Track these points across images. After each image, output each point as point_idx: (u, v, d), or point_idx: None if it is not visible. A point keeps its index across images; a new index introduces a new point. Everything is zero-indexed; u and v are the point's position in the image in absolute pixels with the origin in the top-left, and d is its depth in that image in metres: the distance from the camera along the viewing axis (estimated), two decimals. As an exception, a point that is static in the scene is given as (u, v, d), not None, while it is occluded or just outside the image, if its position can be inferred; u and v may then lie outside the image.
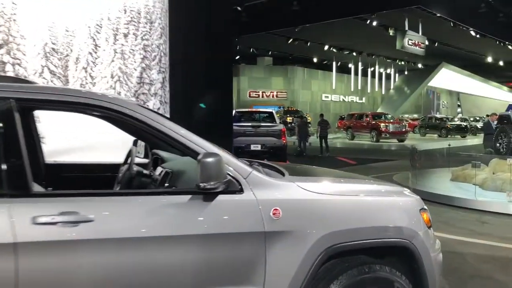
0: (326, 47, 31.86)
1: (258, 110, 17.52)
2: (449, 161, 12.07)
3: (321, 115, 19.73)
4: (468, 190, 8.71)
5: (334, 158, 17.03)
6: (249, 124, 13.84)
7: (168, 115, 5.91)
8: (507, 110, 50.97)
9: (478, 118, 35.32)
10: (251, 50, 33.35)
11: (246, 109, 18.97)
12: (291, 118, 29.82)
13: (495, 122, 13.08)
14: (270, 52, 36.05)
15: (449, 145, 12.11)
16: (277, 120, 15.21)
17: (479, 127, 30.53)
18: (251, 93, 37.20)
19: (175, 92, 8.13)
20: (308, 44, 30.74)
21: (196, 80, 8.72)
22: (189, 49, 7.74)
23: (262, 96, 37.46)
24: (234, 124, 12.51)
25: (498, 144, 10.46)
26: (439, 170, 11.64)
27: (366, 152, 20.55)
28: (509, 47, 32.15)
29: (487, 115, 23.37)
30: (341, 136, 29.74)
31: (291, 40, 29.21)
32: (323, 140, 18.16)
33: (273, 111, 15.24)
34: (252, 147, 13.58)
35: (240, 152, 13.22)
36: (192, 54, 7.96)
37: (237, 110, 16.37)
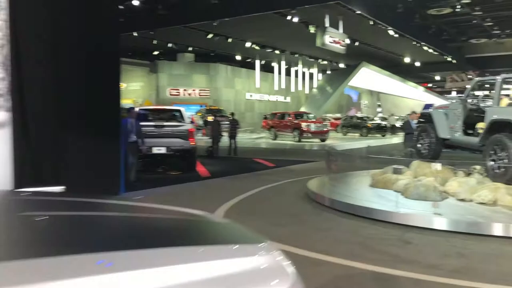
0: (248, 44, 30.58)
1: (164, 107, 15.65)
2: (368, 163, 11.09)
3: (232, 114, 18.72)
4: (389, 199, 7.58)
5: (252, 161, 15.66)
6: (152, 124, 12.01)
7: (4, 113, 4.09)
8: (425, 109, 53.09)
9: (388, 117, 35.67)
10: (169, 45, 31.27)
11: (152, 107, 17.06)
12: (212, 117, 28.17)
13: (415, 121, 12.31)
14: (191, 48, 34.15)
15: (368, 145, 11.10)
16: (187, 119, 13.48)
17: (398, 126, 30.68)
18: (171, 91, 35.09)
19: (43, 89, 6.25)
20: (229, 40, 29.30)
21: (68, 79, 6.88)
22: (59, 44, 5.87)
23: (184, 94, 35.48)
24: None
25: (419, 145, 9.55)
26: (358, 174, 10.57)
27: (287, 153, 19.43)
28: (425, 48, 32.74)
29: (409, 114, 23.28)
30: (265, 136, 28.63)
31: (211, 35, 27.58)
32: (232, 141, 16.93)
33: (182, 109, 13.47)
34: (155, 150, 11.78)
35: (142, 156, 11.42)
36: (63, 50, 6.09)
37: (141, 108, 14.45)
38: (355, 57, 35.97)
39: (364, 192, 8.28)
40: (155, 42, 29.66)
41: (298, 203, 8.14)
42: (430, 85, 55.11)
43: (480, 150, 7.97)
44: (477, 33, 34.96)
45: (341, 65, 41.08)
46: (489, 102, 8.40)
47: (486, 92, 9.69)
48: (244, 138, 27.37)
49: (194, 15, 23.43)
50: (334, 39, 23.34)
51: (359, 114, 38.21)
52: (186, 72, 35.95)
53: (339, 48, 24.26)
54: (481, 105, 8.37)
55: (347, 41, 25.83)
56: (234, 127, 17.18)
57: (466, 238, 5.72)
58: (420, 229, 6.17)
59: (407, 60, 38.25)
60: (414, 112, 12.17)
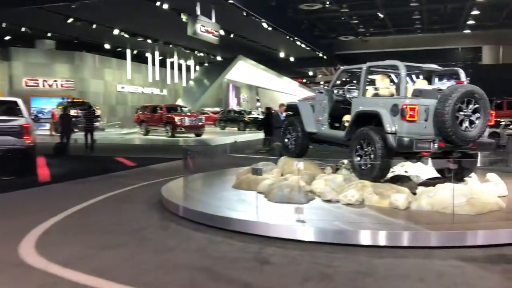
0: (116, 31, 28.04)
1: (-5, 99, 13.06)
2: (236, 159, 10.08)
3: (88, 105, 16.67)
4: (252, 203, 6.54)
5: (111, 159, 13.79)
6: (-27, 119, 9.62)
7: None
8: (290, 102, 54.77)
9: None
10: (23, 30, 27.37)
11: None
12: (76, 111, 25.21)
13: (284, 114, 11.61)
14: (50, 34, 30.39)
15: (235, 141, 10.07)
16: (25, 113, 11.17)
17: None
18: (28, 81, 30.98)
19: None
20: (94, 26, 26.50)
21: None
22: None
23: (43, 85, 31.58)
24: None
25: (286, 140, 8.73)
26: (223, 173, 9.48)
27: (155, 150, 17.77)
28: (298, 43, 33.21)
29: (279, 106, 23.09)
30: (137, 131, 26.46)
31: (71, 19, 24.60)
32: (88, 136, 14.91)
33: (18, 100, 11.12)
34: (-24, 152, 9.44)
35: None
36: None
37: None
38: (232, 50, 35.32)
39: (224, 196, 7.14)
40: (4, 25, 25.69)
41: (145, 214, 6.71)
42: (304, 80, 57.08)
43: (347, 145, 7.31)
44: (346, 31, 36.58)
45: (219, 58, 40.19)
46: (355, 93, 7.82)
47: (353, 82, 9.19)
48: (113, 134, 24.99)
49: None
50: (206, 28, 22.14)
51: (236, 108, 37.75)
52: (46, 60, 32.03)
53: (212, 38, 23.13)
54: (347, 96, 7.75)
55: (221, 32, 24.85)
56: (90, 120, 15.08)
57: (332, 250, 4.84)
58: (282, 241, 5.17)
59: (282, 55, 38.69)
60: (283, 105, 11.45)
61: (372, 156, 6.52)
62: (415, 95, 6.57)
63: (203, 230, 5.70)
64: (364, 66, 7.11)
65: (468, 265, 4.35)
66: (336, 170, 8.90)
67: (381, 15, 30.24)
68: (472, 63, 39.93)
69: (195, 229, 5.79)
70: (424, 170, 7.94)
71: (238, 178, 8.49)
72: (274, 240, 5.22)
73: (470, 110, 6.06)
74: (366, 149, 6.65)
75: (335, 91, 7.85)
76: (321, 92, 8.10)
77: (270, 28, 27.44)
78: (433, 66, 6.96)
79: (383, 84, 7.14)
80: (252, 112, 33.74)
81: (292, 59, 40.19)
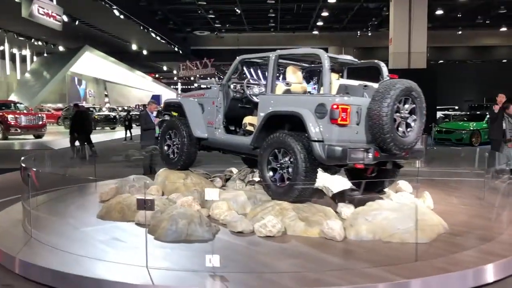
0: None
1: None
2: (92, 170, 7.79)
3: None
4: (132, 247, 4.52)
5: None
6: None
7: None
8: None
9: (126, 108, 32.44)
10: None
11: None
12: None
13: (154, 113, 9.53)
14: None
15: (93, 149, 7.73)
16: None
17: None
18: None
19: None
20: None
21: None
22: None
23: None
24: None
25: (166, 147, 6.76)
26: (79, 192, 7.12)
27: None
28: (152, 35, 30.66)
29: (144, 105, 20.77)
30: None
31: None
32: None
33: None
34: None
35: None
36: None
37: None
38: (77, 39, 31.07)
39: (87, 234, 4.91)
40: None
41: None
42: (157, 75, 54.16)
43: (253, 155, 5.69)
44: (201, 25, 35.09)
45: (61, 48, 35.18)
46: (256, 89, 6.24)
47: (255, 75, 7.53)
48: None
49: None
50: (45, 10, 18.43)
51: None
52: None
53: (53, 23, 19.44)
54: (249, 92, 6.13)
55: (64, 18, 21.19)
56: None
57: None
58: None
59: (134, 47, 35.56)
60: (153, 102, 9.36)
61: (290, 170, 5.01)
62: (341, 92, 5.24)
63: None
64: (273, 55, 5.55)
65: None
66: (226, 181, 7.30)
67: (238, 11, 29.44)
68: (320, 63, 41.91)
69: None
70: (333, 180, 6.73)
71: (102, 199, 6.28)
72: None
73: (407, 111, 4.93)
74: (282, 161, 5.10)
75: (232, 86, 6.16)
76: (212, 88, 6.33)
77: (122, 16, 24.46)
78: (349, 57, 5.77)
79: (295, 78, 5.67)
80: (103, 109, 30.16)
81: (145, 52, 37.30)
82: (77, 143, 12.01)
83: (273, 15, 31.21)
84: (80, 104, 13.85)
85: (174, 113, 6.98)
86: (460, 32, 33.61)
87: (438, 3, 25.29)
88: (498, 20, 30.13)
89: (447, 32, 32.48)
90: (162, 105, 9.29)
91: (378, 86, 4.86)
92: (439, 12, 26.83)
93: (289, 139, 4.95)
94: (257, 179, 7.11)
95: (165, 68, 47.35)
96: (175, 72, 50.52)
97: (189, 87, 68.80)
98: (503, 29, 32.13)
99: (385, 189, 5.95)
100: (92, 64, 35.52)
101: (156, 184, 6.57)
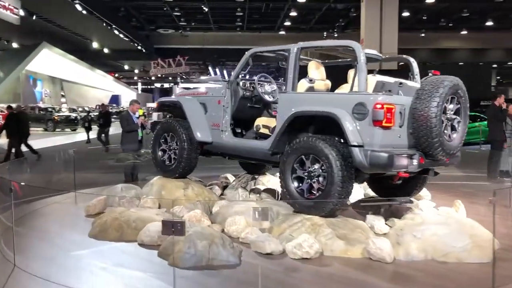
0: None
1: None
2: (67, 176, 6.82)
3: None
4: (139, 277, 3.70)
5: None
6: None
7: None
8: (111, 101, 49.40)
9: (87, 109, 30.53)
10: None
11: None
12: None
13: (137, 114, 8.59)
14: None
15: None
16: None
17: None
18: None
19: None
20: None
21: None
22: None
23: None
24: None
25: (160, 153, 5.88)
26: (61, 205, 6.14)
27: None
28: (116, 32, 29.19)
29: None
30: None
31: None
32: None
33: None
34: None
35: None
36: None
37: None
38: (34, 35, 29.10)
39: (80, 260, 4.02)
40: None
41: None
42: (116, 75, 52.07)
43: (272, 162, 4.96)
44: (166, 23, 33.88)
45: (14, 45, 32.91)
46: (267, 87, 5.52)
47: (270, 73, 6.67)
48: None
49: None
50: (2, 3, 16.90)
51: (41, 105, 31.45)
52: None
53: (11, 16, 17.90)
54: (261, 90, 5.39)
55: (21, 11, 19.60)
56: None
57: None
58: None
59: (95, 45, 33.81)
60: (137, 102, 8.40)
61: (321, 179, 4.32)
62: (378, 91, 4.60)
63: None
64: (294, 48, 4.84)
65: None
66: (224, 188, 6.57)
67: (206, 9, 28.51)
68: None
69: None
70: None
71: (89, 213, 5.39)
72: None
73: (452, 112, 4.36)
74: (312, 170, 4.41)
75: (241, 83, 5.40)
76: (217, 85, 5.55)
77: (84, 12, 22.98)
78: (374, 52, 5.15)
79: (318, 74, 4.99)
80: (63, 110, 28.40)
81: (106, 50, 35.58)
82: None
83: (241, 14, 30.48)
84: (15, 106, 12.92)
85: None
86: (423, 35, 34.14)
87: (405, 5, 25.41)
88: (460, 23, 30.76)
89: (412, 34, 32.88)
90: (129, 106, 8.42)
91: (422, 83, 4.26)
92: (406, 14, 27.01)
93: (321, 144, 4.26)
94: (261, 186, 6.42)
95: (126, 67, 45.53)
96: (136, 71, 48.84)
97: (149, 87, 66.94)
98: (464, 32, 32.88)
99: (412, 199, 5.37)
100: (49, 62, 33.42)
101: (150, 195, 5.72)
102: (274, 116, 5.48)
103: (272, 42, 37.50)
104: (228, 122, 5.39)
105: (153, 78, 55.33)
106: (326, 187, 4.23)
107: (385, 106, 3.99)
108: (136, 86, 63.72)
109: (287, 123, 4.57)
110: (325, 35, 34.81)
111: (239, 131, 5.61)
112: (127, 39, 31.61)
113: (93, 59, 38.09)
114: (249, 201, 5.27)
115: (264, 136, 5.15)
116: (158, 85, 61.53)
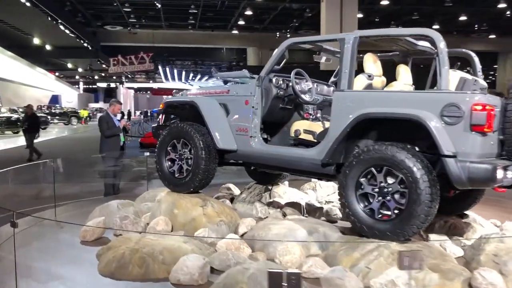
0: None
1: None
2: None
3: None
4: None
5: None
6: None
7: None
8: (51, 101, 46.00)
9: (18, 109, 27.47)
10: None
11: None
12: None
13: (118, 116, 7.35)
14: None
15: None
16: None
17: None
18: None
19: None
20: None
21: None
22: None
23: None
24: None
25: (168, 163, 4.77)
26: (46, 233, 4.86)
27: None
28: (61, 27, 26.86)
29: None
30: None
31: None
32: None
33: None
34: None
35: None
36: None
37: None
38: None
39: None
40: None
41: None
42: (57, 73, 48.58)
43: (321, 175, 4.07)
44: (113, 20, 31.81)
45: None
46: (304, 84, 4.60)
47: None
48: None
49: None
50: None
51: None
52: None
53: None
54: (298, 88, 4.45)
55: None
56: None
57: None
58: None
59: (37, 41, 31.07)
60: (118, 102, 7.15)
61: (398, 196, 3.49)
62: (460, 88, 3.82)
63: None
64: (352, 36, 3.95)
65: None
66: (231, 201, 5.65)
67: (159, 5, 26.92)
68: (238, 64, 40.64)
69: None
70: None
71: (85, 239, 4.22)
72: None
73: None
74: (383, 185, 3.55)
75: (274, 80, 4.44)
76: (243, 83, 4.55)
77: (28, 4, 20.75)
78: (427, 44, 4.38)
79: (376, 69, 4.14)
80: (2, 110, 25.69)
81: (49, 47, 32.85)
82: None
83: (195, 11, 29.16)
84: None
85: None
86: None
87: (361, 7, 25.37)
88: (410, 26, 31.34)
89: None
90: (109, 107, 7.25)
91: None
92: (359, 15, 27.03)
93: (401, 154, 3.41)
94: (278, 199, 5.51)
95: (70, 65, 42.46)
96: (80, 70, 45.78)
97: (91, 86, 63.21)
98: (410, 35, 33.62)
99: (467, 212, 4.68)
100: (-16, 59, 30.30)
101: (160, 215, 4.62)
102: (306, 119, 4.61)
103: (224, 41, 36.56)
104: (258, 127, 4.42)
105: (96, 77, 52.38)
106: (409, 206, 3.39)
107: (486, 107, 3.22)
108: (78, 86, 60.09)
109: (349, 127, 3.69)
110: (278, 35, 34.25)
111: (265, 136, 4.66)
112: (72, 35, 29.27)
113: (33, 56, 35.03)
114: (289, 221, 4.32)
115: (305, 144, 4.25)
116: (101, 84, 58.29)
